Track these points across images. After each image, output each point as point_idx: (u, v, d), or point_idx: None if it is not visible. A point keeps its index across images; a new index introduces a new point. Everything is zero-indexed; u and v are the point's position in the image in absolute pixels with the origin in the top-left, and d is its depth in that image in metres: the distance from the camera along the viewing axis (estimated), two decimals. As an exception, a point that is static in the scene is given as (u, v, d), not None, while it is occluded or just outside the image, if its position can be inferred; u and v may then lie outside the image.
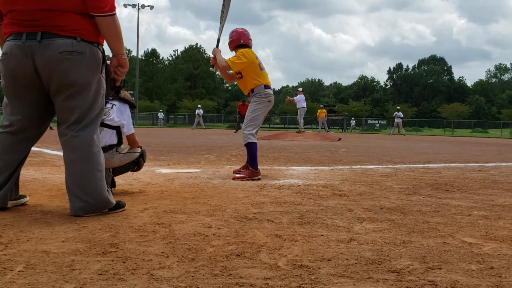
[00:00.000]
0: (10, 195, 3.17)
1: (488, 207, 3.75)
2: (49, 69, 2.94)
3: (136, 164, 4.10)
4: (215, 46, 5.64)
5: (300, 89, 22.85)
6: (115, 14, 3.10)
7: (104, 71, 3.22)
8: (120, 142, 3.94)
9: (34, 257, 2.09)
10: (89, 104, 3.07)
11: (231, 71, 5.78)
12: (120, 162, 3.92)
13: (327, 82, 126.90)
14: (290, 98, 21.51)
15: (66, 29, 2.95)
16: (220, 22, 5.72)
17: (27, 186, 4.21)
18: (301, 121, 21.71)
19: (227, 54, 5.69)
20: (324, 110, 33.44)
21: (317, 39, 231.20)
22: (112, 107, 3.84)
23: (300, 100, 21.61)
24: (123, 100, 3.98)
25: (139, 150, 4.11)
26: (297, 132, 20.45)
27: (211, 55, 5.68)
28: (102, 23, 3.08)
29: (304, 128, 23.07)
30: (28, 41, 2.91)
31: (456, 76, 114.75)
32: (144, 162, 4.19)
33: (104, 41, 3.20)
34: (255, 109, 5.56)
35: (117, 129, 3.86)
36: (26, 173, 5.13)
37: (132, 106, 4.12)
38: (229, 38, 5.77)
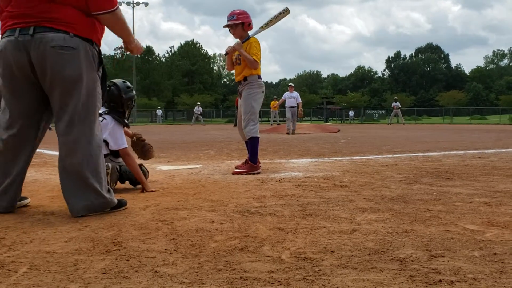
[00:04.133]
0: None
1: (489, 194, 3.76)
2: (42, 63, 2.92)
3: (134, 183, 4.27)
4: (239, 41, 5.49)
5: (291, 84, 22.01)
6: (117, 9, 3.12)
7: (100, 71, 3.21)
8: (114, 153, 4.02)
9: (38, 258, 2.09)
10: (82, 102, 3.04)
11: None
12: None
13: (324, 74, 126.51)
14: (300, 111, 19.27)
15: (59, 22, 2.93)
16: (261, 27, 5.61)
17: (28, 187, 4.21)
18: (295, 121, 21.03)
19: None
20: (276, 102, 30.35)
21: (312, 31, 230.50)
22: (102, 121, 3.89)
23: (298, 98, 21.07)
24: (114, 118, 4.06)
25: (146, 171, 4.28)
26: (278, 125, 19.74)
27: (233, 47, 5.51)
28: (107, 20, 3.13)
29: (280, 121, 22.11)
30: (21, 36, 2.89)
31: (453, 63, 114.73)
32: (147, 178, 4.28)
33: (101, 41, 3.21)
34: (252, 104, 5.49)
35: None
36: (27, 174, 5.11)
37: (122, 125, 4.16)
38: (237, 20, 5.48)
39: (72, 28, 2.96)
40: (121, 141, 4.06)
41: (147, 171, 4.36)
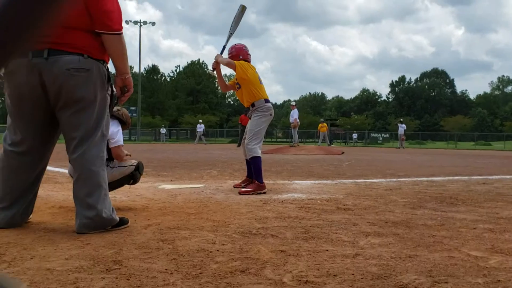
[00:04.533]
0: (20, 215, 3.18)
1: (493, 220, 3.73)
2: (58, 85, 2.94)
3: (131, 178, 4.09)
4: (219, 53, 5.70)
5: (293, 103, 22.85)
6: (122, 33, 3.12)
7: (109, 89, 3.23)
8: (111, 157, 3.96)
9: (38, 274, 2.07)
10: (94, 121, 3.07)
11: (228, 82, 5.88)
12: (113, 176, 3.91)
13: (328, 96, 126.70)
14: (293, 123, 21.76)
15: (73, 46, 2.97)
16: (229, 31, 5.77)
17: (30, 203, 4.20)
18: (295, 135, 21.71)
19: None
20: (325, 124, 33.38)
21: (314, 52, 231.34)
22: None
23: (293, 114, 21.69)
24: (113, 116, 4.02)
25: (134, 162, 4.09)
26: (290, 146, 20.52)
27: (214, 60, 5.73)
28: (109, 41, 3.10)
29: (299, 142, 23.17)
30: (35, 58, 2.91)
31: (458, 88, 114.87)
32: (141, 175, 4.17)
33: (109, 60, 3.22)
34: (258, 123, 5.59)
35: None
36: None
37: (122, 124, 4.14)
38: (228, 54, 5.86)
39: (85, 51, 3.00)
40: (118, 139, 4.02)
41: (142, 166, 4.26)
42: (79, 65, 2.97)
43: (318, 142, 33.13)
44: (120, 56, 3.20)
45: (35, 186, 3.27)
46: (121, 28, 3.11)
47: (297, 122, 21.58)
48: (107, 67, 3.21)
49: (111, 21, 3.05)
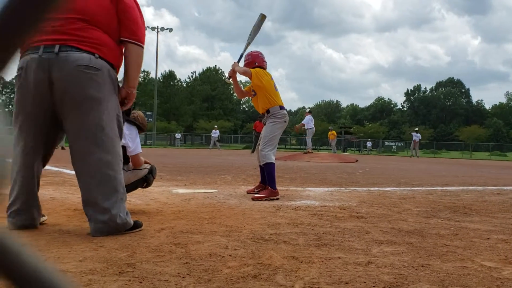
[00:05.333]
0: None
1: (507, 231, 3.70)
2: (66, 82, 2.93)
3: (145, 181, 4.13)
4: (236, 61, 5.77)
5: (307, 110, 22.83)
6: (143, 47, 3.21)
7: (118, 94, 3.23)
8: (126, 160, 3.99)
9: (52, 275, 2.10)
10: (104, 122, 3.03)
11: (244, 88, 5.93)
12: (127, 179, 3.95)
13: (342, 103, 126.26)
14: (297, 125, 21.80)
15: (87, 43, 2.98)
16: (247, 40, 5.80)
17: (45, 205, 4.24)
18: (309, 141, 21.70)
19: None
20: (333, 132, 33.38)
21: (329, 60, 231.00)
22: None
23: (308, 121, 21.62)
24: (130, 122, 4.05)
25: (147, 166, 4.13)
26: (304, 153, 20.55)
27: (231, 68, 5.79)
28: (132, 51, 3.16)
29: (313, 149, 23.12)
30: (45, 54, 2.91)
31: (474, 98, 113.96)
32: (154, 178, 4.20)
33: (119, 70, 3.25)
34: (273, 130, 5.61)
35: (123, 148, 3.89)
36: (45, 192, 5.18)
37: (139, 129, 4.17)
38: (244, 61, 5.90)
39: (98, 50, 3.01)
40: (136, 147, 4.05)
41: (155, 169, 4.29)
42: (90, 63, 2.96)
43: (331, 149, 33.12)
44: (136, 68, 3.26)
45: (38, 186, 3.27)
46: (144, 42, 3.20)
47: (308, 128, 21.46)
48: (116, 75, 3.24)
49: (140, 33, 3.14)
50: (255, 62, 5.80)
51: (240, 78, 5.74)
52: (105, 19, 3.04)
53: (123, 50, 3.22)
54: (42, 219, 3.41)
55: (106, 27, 3.04)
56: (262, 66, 5.82)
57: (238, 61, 5.77)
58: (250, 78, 5.60)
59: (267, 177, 5.47)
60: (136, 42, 3.14)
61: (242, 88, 6.11)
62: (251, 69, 5.60)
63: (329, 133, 33.44)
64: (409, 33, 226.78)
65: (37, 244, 2.76)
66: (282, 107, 5.74)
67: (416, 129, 38.42)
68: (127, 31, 3.10)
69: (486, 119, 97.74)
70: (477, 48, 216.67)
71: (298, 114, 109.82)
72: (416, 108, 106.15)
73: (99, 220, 3.01)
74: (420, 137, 34.93)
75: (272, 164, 5.49)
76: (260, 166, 5.78)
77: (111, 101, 3.11)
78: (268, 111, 5.67)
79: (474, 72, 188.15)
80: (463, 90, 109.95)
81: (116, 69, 3.19)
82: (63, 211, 4.03)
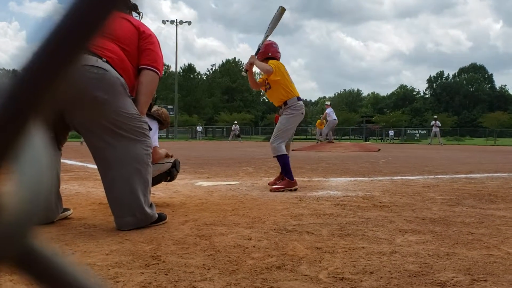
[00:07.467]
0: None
1: (535, 218, 3.64)
2: (70, 81, 2.93)
3: (168, 175, 4.15)
4: (253, 54, 5.69)
5: (328, 102, 22.67)
6: (159, 76, 3.31)
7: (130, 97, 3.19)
8: None
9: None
10: (111, 121, 2.99)
11: (259, 79, 5.89)
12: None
13: (364, 92, 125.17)
14: (320, 120, 21.84)
15: (98, 47, 2.93)
16: (265, 32, 5.76)
17: (71, 200, 4.32)
18: (330, 132, 21.60)
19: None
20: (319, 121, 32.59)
21: (348, 48, 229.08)
22: None
23: (330, 113, 21.50)
24: (152, 117, 4.09)
25: (171, 160, 4.15)
26: (324, 142, 20.56)
27: (248, 61, 5.71)
28: (148, 77, 3.23)
29: (334, 139, 23.08)
30: None
31: (497, 84, 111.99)
32: (178, 172, 4.21)
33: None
34: (288, 122, 5.58)
35: None
36: (70, 187, 5.26)
37: (160, 124, 4.20)
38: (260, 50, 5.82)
39: (107, 57, 3.00)
40: (154, 140, 4.08)
41: (179, 163, 4.32)
42: (96, 63, 2.93)
43: (317, 139, 32.48)
44: (148, 94, 3.31)
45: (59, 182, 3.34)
46: (161, 73, 3.32)
47: (330, 120, 21.34)
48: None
49: (159, 64, 3.26)
50: (268, 52, 5.74)
51: (255, 69, 5.67)
52: (126, 40, 3.12)
53: (139, 76, 3.26)
54: (68, 213, 3.48)
55: (126, 46, 3.11)
56: (276, 57, 5.76)
57: (256, 54, 5.72)
58: (271, 76, 5.55)
59: (282, 169, 5.49)
60: (153, 68, 3.23)
61: (256, 80, 6.06)
62: (270, 65, 5.53)
63: (318, 122, 32.47)
64: (430, 19, 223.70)
65: (64, 238, 2.81)
66: (299, 98, 5.70)
67: (435, 117, 37.93)
68: (148, 59, 3.19)
69: (510, 105, 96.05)
70: (499, 32, 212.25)
71: (318, 105, 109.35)
72: (439, 95, 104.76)
73: (125, 213, 3.05)
74: (440, 125, 34.47)
75: (285, 155, 5.47)
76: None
77: (121, 101, 3.04)
78: (285, 103, 5.63)
79: (497, 56, 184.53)
80: (486, 76, 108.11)
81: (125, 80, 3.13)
82: (88, 205, 4.09)
